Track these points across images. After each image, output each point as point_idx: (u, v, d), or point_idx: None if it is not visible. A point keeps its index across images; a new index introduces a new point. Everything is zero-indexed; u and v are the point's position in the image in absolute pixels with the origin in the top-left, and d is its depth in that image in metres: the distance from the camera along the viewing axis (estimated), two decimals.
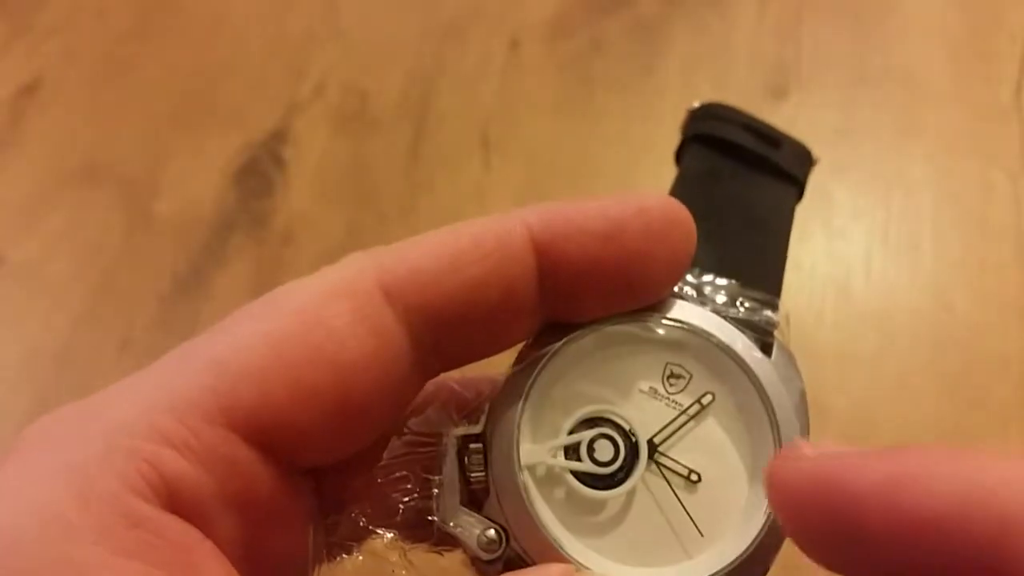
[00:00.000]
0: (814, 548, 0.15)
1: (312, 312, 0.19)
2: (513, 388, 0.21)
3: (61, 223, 0.55)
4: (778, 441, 0.20)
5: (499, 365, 0.21)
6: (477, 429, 0.21)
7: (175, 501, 0.17)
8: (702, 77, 0.57)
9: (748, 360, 0.21)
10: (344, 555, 0.21)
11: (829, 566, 0.15)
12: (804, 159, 0.26)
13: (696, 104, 0.27)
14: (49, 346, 0.50)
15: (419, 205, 0.54)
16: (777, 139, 0.26)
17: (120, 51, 0.62)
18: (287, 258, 0.53)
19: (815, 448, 0.15)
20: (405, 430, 0.21)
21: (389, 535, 0.21)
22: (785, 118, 0.54)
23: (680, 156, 0.27)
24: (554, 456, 0.20)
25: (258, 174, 0.56)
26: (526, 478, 0.20)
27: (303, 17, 0.63)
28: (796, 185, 0.26)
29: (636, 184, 0.53)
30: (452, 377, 0.22)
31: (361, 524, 0.21)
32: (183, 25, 0.63)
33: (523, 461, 0.20)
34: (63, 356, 0.50)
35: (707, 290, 0.22)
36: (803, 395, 0.21)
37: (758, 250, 0.24)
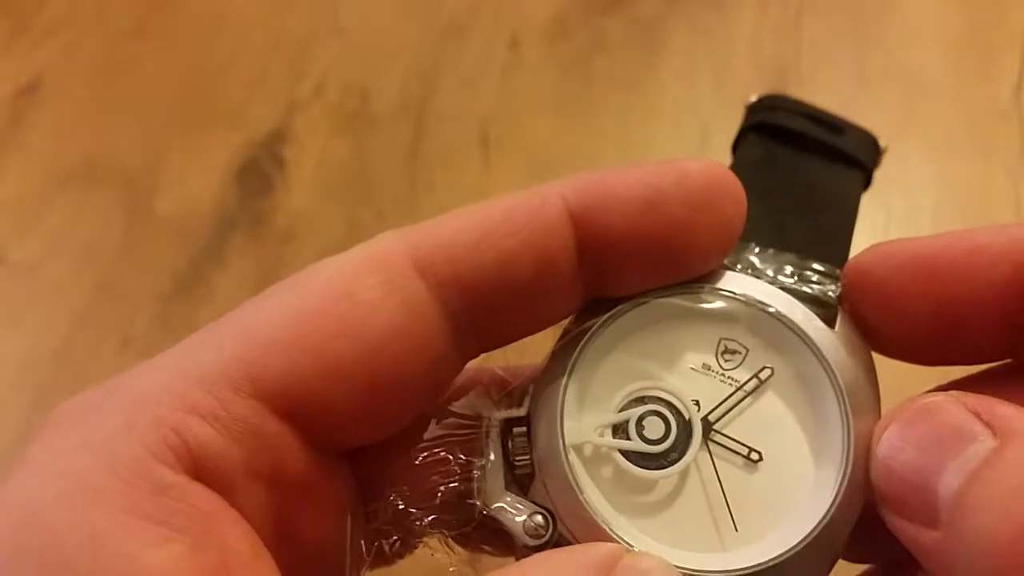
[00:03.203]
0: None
1: (341, 285, 0.18)
2: (556, 365, 0.20)
3: (61, 223, 0.55)
4: (845, 416, 0.19)
5: (546, 352, 0.21)
6: (521, 412, 0.20)
7: (201, 469, 0.17)
8: (702, 77, 0.57)
9: (809, 331, 0.19)
10: (383, 540, 0.20)
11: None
12: (870, 145, 0.25)
13: (753, 97, 0.26)
14: (49, 346, 0.50)
15: (419, 204, 0.54)
16: (839, 126, 0.25)
17: (120, 50, 0.62)
18: (287, 257, 0.53)
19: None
20: (446, 412, 0.20)
21: (428, 518, 0.20)
22: None
23: (736, 149, 0.26)
24: (601, 435, 0.19)
25: (258, 173, 0.56)
26: (572, 458, 0.19)
27: (303, 17, 0.62)
28: (861, 169, 0.25)
29: None
30: (496, 364, 0.21)
31: (400, 507, 0.20)
32: (183, 25, 0.63)
33: (568, 441, 0.19)
34: (63, 355, 0.50)
35: (763, 264, 0.21)
36: (871, 367, 0.20)
37: (820, 229, 0.22)
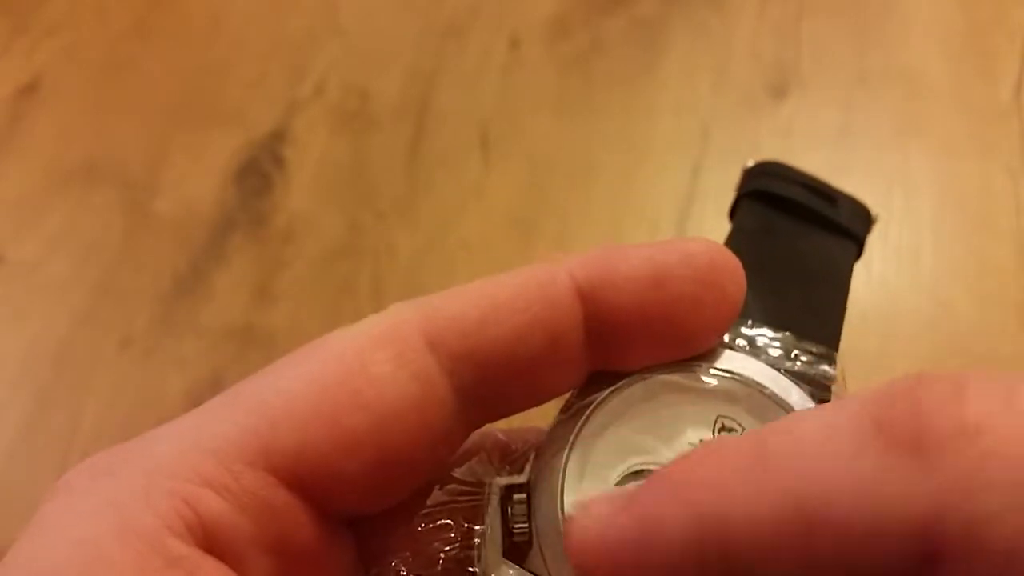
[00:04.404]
0: None
1: (354, 357, 0.19)
2: (558, 437, 0.20)
3: (61, 223, 0.55)
4: None
5: (546, 417, 0.21)
6: (522, 479, 0.20)
7: (212, 541, 0.17)
8: (702, 77, 0.57)
9: (800, 409, 0.20)
10: None
11: None
12: (863, 216, 0.26)
13: (751, 162, 0.27)
14: (49, 346, 0.50)
15: (419, 204, 0.54)
16: (833, 196, 0.26)
17: (120, 50, 0.62)
18: (287, 257, 0.53)
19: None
20: (448, 479, 0.21)
21: None
22: (785, 118, 0.54)
23: (733, 213, 0.26)
24: None
25: (258, 173, 0.56)
26: None
27: (303, 17, 0.63)
28: (854, 241, 0.25)
29: (635, 183, 0.53)
30: (498, 427, 0.22)
31: (401, 573, 0.20)
32: (183, 25, 0.63)
33: (568, 512, 0.19)
34: (63, 355, 0.50)
35: (760, 342, 0.21)
36: None
37: (814, 304, 0.23)
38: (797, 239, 0.25)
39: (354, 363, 0.18)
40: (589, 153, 0.55)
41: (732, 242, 0.25)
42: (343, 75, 0.59)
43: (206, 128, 0.58)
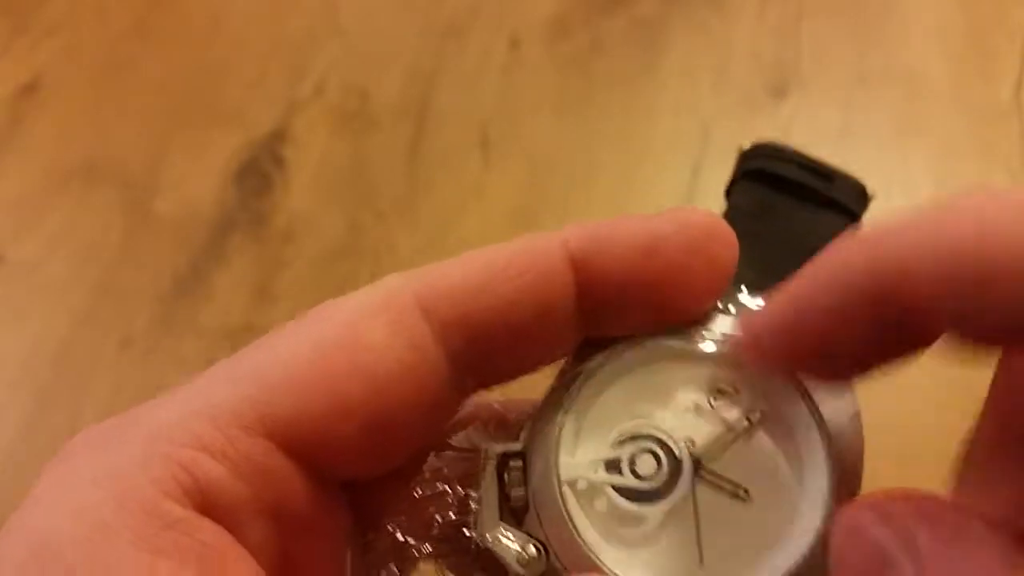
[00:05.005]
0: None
1: (350, 326, 0.19)
2: (553, 403, 0.20)
3: (61, 223, 0.55)
4: (830, 457, 0.20)
5: (542, 387, 0.21)
6: (517, 446, 0.20)
7: (209, 505, 0.17)
8: (702, 77, 0.57)
9: (797, 375, 0.20)
10: (381, 570, 0.21)
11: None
12: (859, 193, 0.26)
13: (747, 144, 0.27)
14: (49, 346, 0.50)
15: (419, 204, 0.54)
16: (829, 174, 0.26)
17: (120, 50, 0.62)
18: (287, 257, 0.53)
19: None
20: (444, 446, 0.21)
21: (425, 548, 0.21)
22: (785, 118, 0.54)
23: (729, 194, 0.27)
24: (595, 471, 0.20)
25: (258, 173, 0.56)
26: (566, 493, 0.20)
27: (303, 17, 0.63)
28: (851, 217, 0.26)
29: (635, 183, 0.53)
30: (494, 398, 0.22)
31: (397, 537, 0.21)
32: (183, 24, 0.63)
33: (563, 476, 0.20)
34: (63, 356, 0.50)
35: (754, 308, 0.22)
36: (857, 412, 0.21)
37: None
38: (793, 215, 0.25)
39: (350, 331, 0.19)
40: (589, 153, 0.55)
41: (727, 220, 0.25)
42: (343, 75, 0.59)
43: (206, 128, 0.58)
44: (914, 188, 0.51)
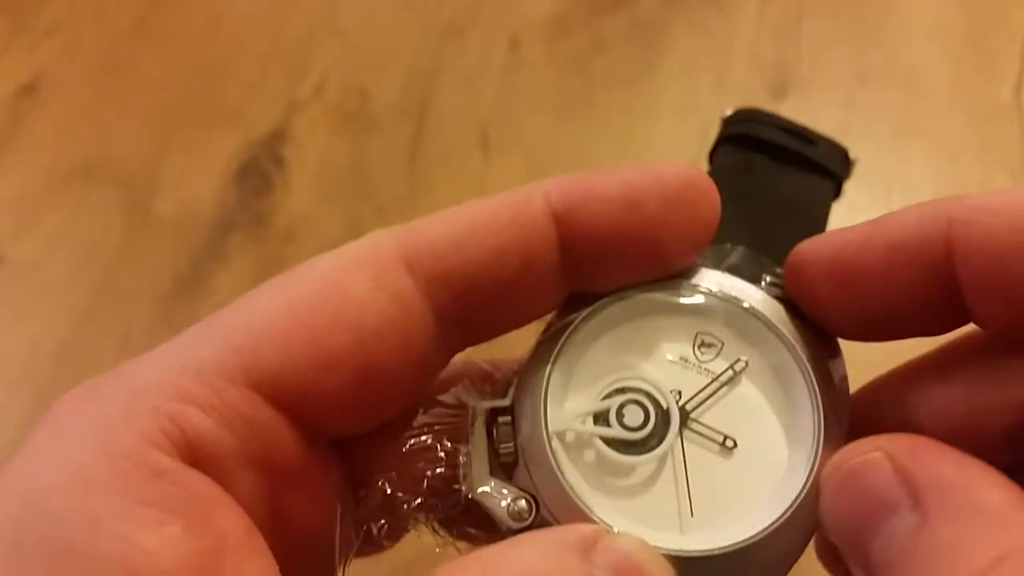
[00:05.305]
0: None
1: (333, 280, 0.19)
2: (540, 356, 0.21)
3: (61, 223, 0.55)
4: (816, 402, 0.20)
5: (529, 348, 0.21)
6: (506, 402, 0.21)
7: (196, 456, 0.18)
8: (702, 77, 0.57)
9: (779, 324, 0.21)
10: (372, 524, 0.21)
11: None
12: (841, 157, 0.26)
13: (729, 111, 0.27)
14: (49, 346, 0.50)
15: (419, 204, 0.54)
16: (812, 138, 0.26)
17: (120, 50, 0.62)
18: (287, 257, 0.53)
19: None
20: (432, 403, 0.21)
21: (415, 502, 0.21)
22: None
23: (712, 159, 0.27)
24: (583, 422, 0.20)
25: (258, 173, 0.56)
26: (555, 444, 0.20)
27: (303, 17, 0.63)
28: (832, 179, 0.26)
29: None
30: (482, 359, 0.22)
31: (387, 492, 0.21)
32: (183, 24, 0.63)
33: (551, 428, 0.20)
34: (63, 355, 0.50)
35: (736, 262, 0.22)
36: (844, 375, 0.21)
37: (791, 233, 0.23)
38: (775, 176, 0.26)
39: (333, 285, 0.19)
40: (589, 153, 0.55)
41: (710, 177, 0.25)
42: (343, 75, 0.59)
43: (206, 128, 0.58)
44: (914, 188, 0.51)
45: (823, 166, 0.26)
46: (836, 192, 0.26)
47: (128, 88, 0.60)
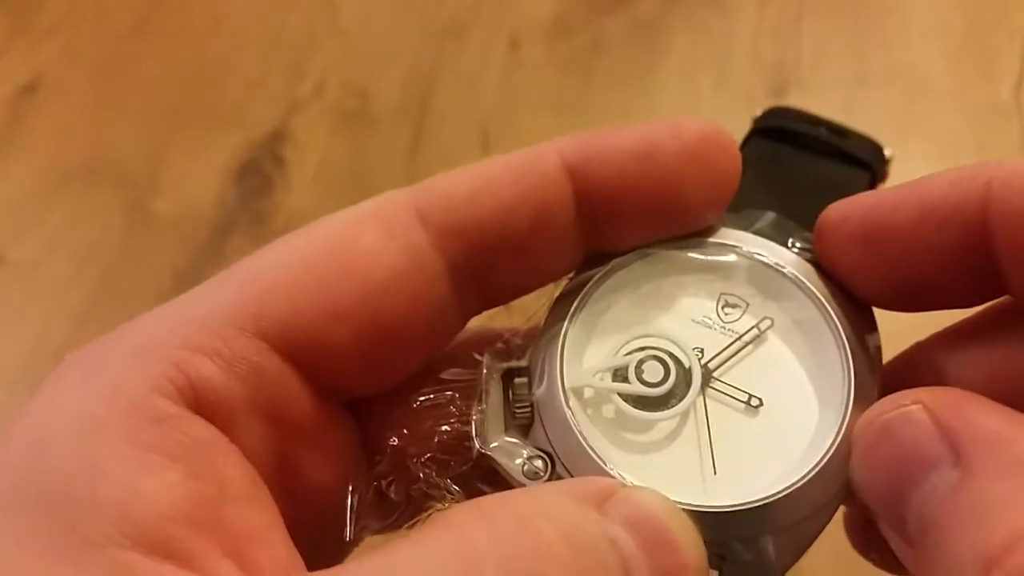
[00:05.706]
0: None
1: (343, 232, 0.19)
2: (558, 312, 0.20)
3: (61, 222, 0.55)
4: (847, 358, 0.19)
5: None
6: (523, 363, 0.20)
7: (202, 404, 0.17)
8: (702, 77, 0.57)
9: (807, 279, 0.20)
10: (381, 480, 0.21)
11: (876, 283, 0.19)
12: (872, 149, 0.26)
13: (759, 110, 0.27)
14: (49, 346, 0.50)
15: None
16: (843, 130, 0.26)
17: (120, 50, 0.62)
18: None
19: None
20: (447, 364, 0.21)
21: (426, 458, 0.20)
22: None
23: (743, 151, 0.27)
24: (600, 379, 0.20)
25: (258, 173, 0.56)
26: (572, 401, 0.19)
27: (303, 17, 0.63)
28: (863, 167, 0.26)
29: None
30: (499, 325, 0.22)
31: (399, 449, 0.20)
32: (183, 24, 0.63)
33: (568, 384, 0.19)
34: (63, 355, 0.50)
35: (764, 226, 0.21)
36: (875, 328, 0.20)
37: (822, 207, 0.23)
38: (805, 164, 0.25)
39: (344, 237, 0.19)
40: None
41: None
42: (343, 75, 0.59)
43: (206, 128, 0.58)
44: None
45: (854, 156, 0.25)
46: (870, 184, 0.26)
47: (128, 88, 0.60)
